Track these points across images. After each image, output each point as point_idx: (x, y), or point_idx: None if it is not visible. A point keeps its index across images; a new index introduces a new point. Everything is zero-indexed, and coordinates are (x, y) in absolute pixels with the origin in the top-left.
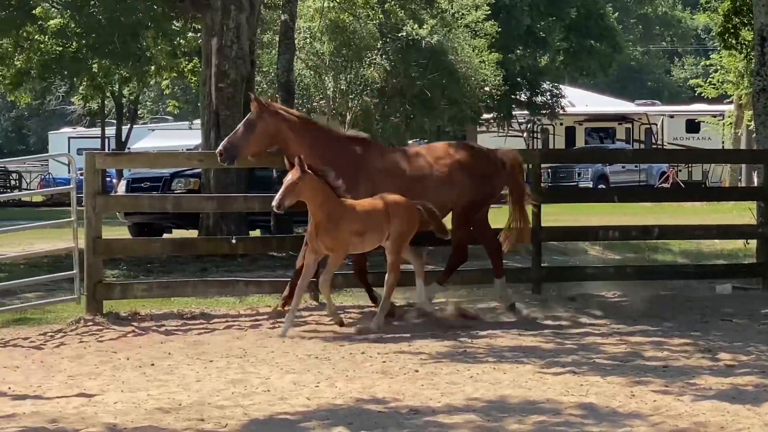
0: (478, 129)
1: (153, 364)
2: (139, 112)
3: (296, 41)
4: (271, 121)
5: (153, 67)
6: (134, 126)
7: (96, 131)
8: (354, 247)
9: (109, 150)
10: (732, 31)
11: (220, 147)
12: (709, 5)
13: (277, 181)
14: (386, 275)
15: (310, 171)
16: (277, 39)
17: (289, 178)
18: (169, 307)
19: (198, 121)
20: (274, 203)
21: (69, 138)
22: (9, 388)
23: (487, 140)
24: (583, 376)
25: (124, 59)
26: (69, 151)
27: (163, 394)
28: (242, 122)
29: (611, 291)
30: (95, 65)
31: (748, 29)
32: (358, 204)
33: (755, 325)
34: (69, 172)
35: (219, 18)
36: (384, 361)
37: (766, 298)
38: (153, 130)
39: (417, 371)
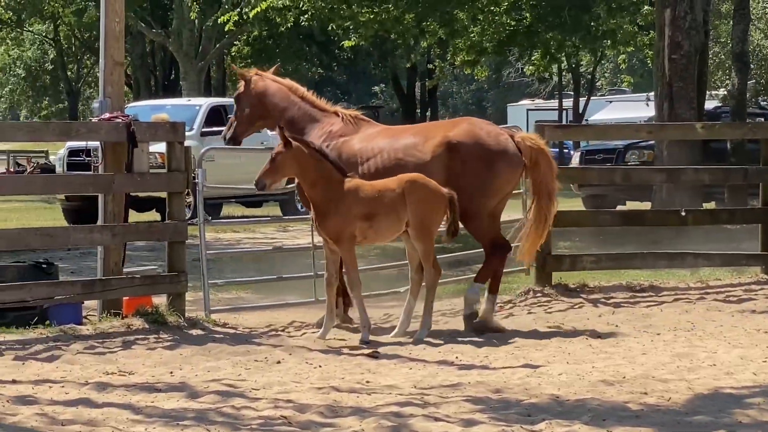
0: None
1: (599, 336)
2: (597, 84)
3: (755, 11)
4: (252, 96)
5: (608, 41)
6: (591, 98)
7: (554, 103)
8: (365, 236)
9: (566, 122)
10: None
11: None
12: None
13: (732, 153)
14: (422, 273)
15: (297, 143)
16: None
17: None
18: (618, 279)
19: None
20: (254, 181)
21: (527, 110)
22: (456, 357)
23: None
24: None
25: (575, 32)
26: (527, 123)
27: (608, 366)
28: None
29: None
30: (548, 37)
31: None
32: (364, 184)
33: None
34: None
35: None
36: None
37: None
38: (610, 102)
39: None
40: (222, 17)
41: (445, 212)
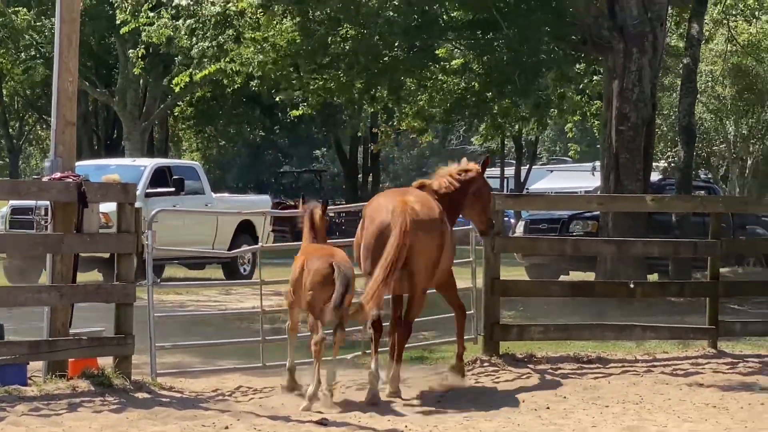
0: None
1: (548, 408)
2: (538, 153)
3: (698, 85)
4: None
5: (555, 111)
6: (533, 166)
7: (496, 171)
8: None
9: (507, 190)
10: None
11: None
12: None
13: (677, 225)
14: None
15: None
16: (679, 81)
17: None
18: (565, 350)
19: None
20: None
21: None
22: (406, 426)
23: None
24: None
25: (524, 98)
26: None
27: None
28: None
29: None
30: (496, 105)
31: None
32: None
33: None
34: None
35: (621, 61)
36: None
37: None
38: (552, 171)
39: None
40: (176, 79)
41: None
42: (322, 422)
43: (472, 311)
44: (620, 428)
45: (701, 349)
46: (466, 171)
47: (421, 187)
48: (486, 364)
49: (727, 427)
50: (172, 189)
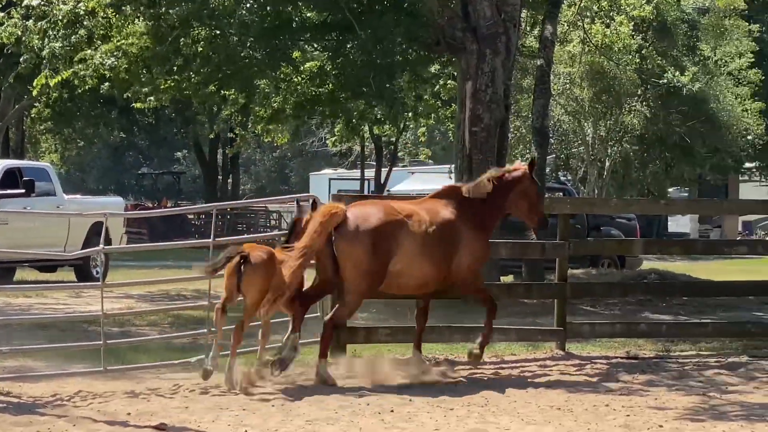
0: (740, 178)
1: (393, 411)
2: (399, 155)
3: (555, 86)
4: None
5: (410, 114)
6: (394, 168)
7: (356, 173)
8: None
9: (369, 192)
10: None
11: None
12: None
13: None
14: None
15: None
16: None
17: None
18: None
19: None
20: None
21: (330, 179)
22: (246, 431)
23: (749, 190)
24: None
25: (378, 101)
26: (329, 192)
27: None
28: None
29: None
30: (351, 106)
31: None
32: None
33: None
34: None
35: (474, 62)
36: (628, 415)
37: None
38: (412, 173)
39: (661, 426)
40: (35, 81)
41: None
42: (161, 427)
43: (319, 314)
44: (464, 431)
45: (549, 351)
46: (510, 172)
47: (450, 190)
48: (333, 366)
49: (569, 429)
50: (23, 190)
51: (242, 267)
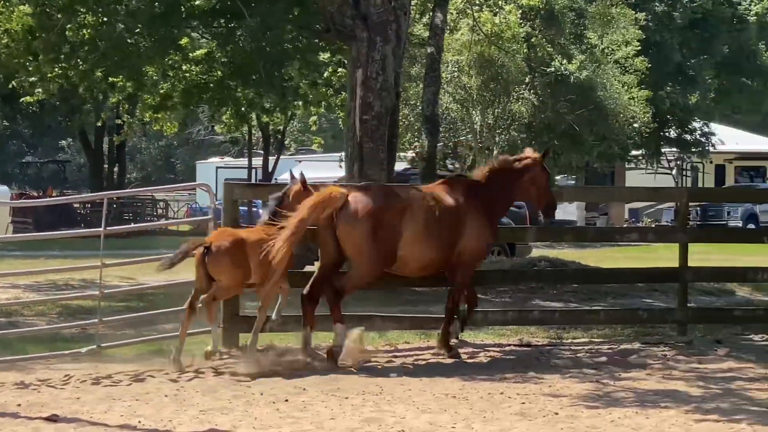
0: (627, 166)
1: (287, 400)
2: (286, 143)
3: (444, 75)
4: None
5: (300, 103)
6: (281, 157)
7: (243, 161)
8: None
9: (256, 180)
10: None
11: None
12: None
13: None
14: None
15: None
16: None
17: None
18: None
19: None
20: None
21: (216, 168)
22: (139, 421)
23: (635, 177)
24: (730, 423)
25: (268, 89)
26: (216, 181)
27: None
28: None
29: (759, 334)
30: (240, 94)
31: None
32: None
33: None
34: (209, 202)
35: (365, 50)
36: (523, 403)
37: None
38: (300, 161)
39: (556, 414)
40: None
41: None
42: (52, 418)
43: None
44: (359, 420)
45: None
46: (521, 159)
47: (460, 176)
48: (225, 356)
49: (465, 417)
50: None
51: (206, 257)
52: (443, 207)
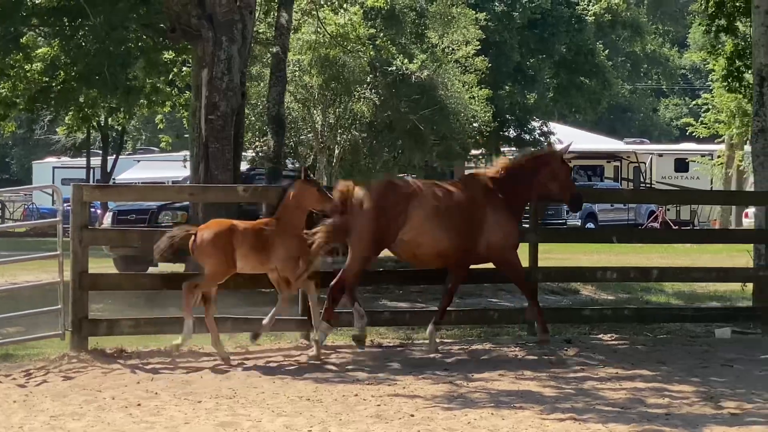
0: (467, 165)
1: (139, 404)
2: (125, 143)
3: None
4: None
5: (144, 101)
6: (120, 156)
7: (81, 161)
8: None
9: (94, 181)
10: (736, 74)
11: None
12: (711, 49)
13: (268, 215)
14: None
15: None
16: (267, 72)
17: None
18: (156, 344)
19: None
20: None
21: (53, 168)
22: None
23: None
24: (585, 423)
25: (112, 90)
26: (53, 181)
27: None
28: None
29: (608, 333)
30: (82, 96)
31: (751, 72)
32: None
33: (756, 371)
34: (54, 204)
35: (210, 49)
36: (378, 405)
37: (766, 343)
38: (139, 161)
39: (413, 416)
40: None
41: None
42: None
43: (60, 306)
44: (213, 424)
45: (294, 341)
46: (537, 157)
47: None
48: (74, 360)
49: (321, 420)
50: None
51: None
52: (456, 199)
